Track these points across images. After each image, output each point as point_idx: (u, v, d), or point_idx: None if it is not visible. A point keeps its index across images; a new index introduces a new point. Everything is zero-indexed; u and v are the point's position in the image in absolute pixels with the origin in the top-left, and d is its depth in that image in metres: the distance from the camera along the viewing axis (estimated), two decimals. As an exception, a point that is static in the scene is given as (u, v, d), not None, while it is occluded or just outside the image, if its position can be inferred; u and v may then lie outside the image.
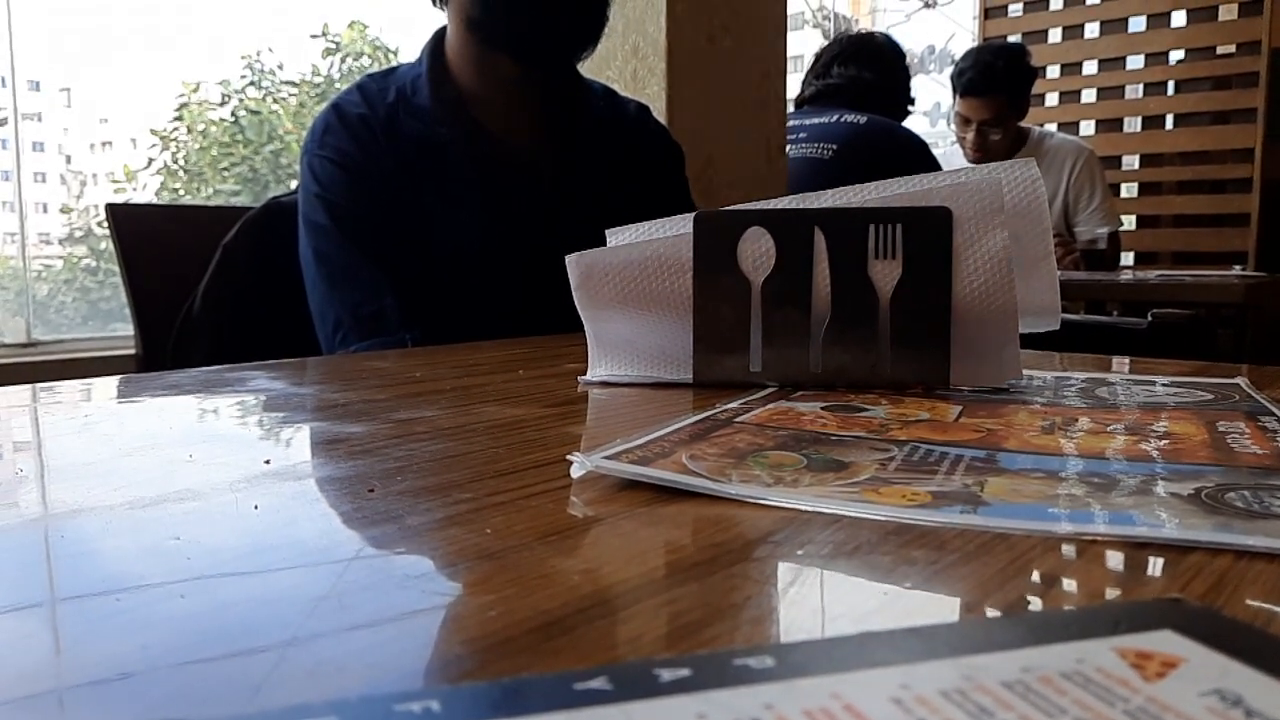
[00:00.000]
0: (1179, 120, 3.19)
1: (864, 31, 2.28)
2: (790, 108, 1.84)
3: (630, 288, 0.58)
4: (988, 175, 0.55)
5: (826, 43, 2.18)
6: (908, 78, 2.17)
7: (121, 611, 0.23)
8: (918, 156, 1.98)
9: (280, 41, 2.48)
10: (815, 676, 0.17)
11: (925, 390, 0.53)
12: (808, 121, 1.99)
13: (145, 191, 2.41)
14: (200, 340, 1.05)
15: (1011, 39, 3.34)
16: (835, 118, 1.99)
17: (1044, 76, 3.07)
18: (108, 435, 0.46)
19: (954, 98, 2.52)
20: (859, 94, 2.04)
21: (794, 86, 2.10)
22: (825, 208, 0.56)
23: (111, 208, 1.11)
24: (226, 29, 2.52)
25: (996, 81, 2.42)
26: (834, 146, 1.94)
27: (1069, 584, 0.25)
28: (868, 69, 2.06)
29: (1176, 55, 3.18)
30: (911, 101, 2.16)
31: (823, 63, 2.11)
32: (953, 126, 2.62)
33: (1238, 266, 2.81)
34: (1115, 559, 0.27)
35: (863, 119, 1.97)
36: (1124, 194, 3.23)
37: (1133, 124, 3.29)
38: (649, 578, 0.26)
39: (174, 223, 1.22)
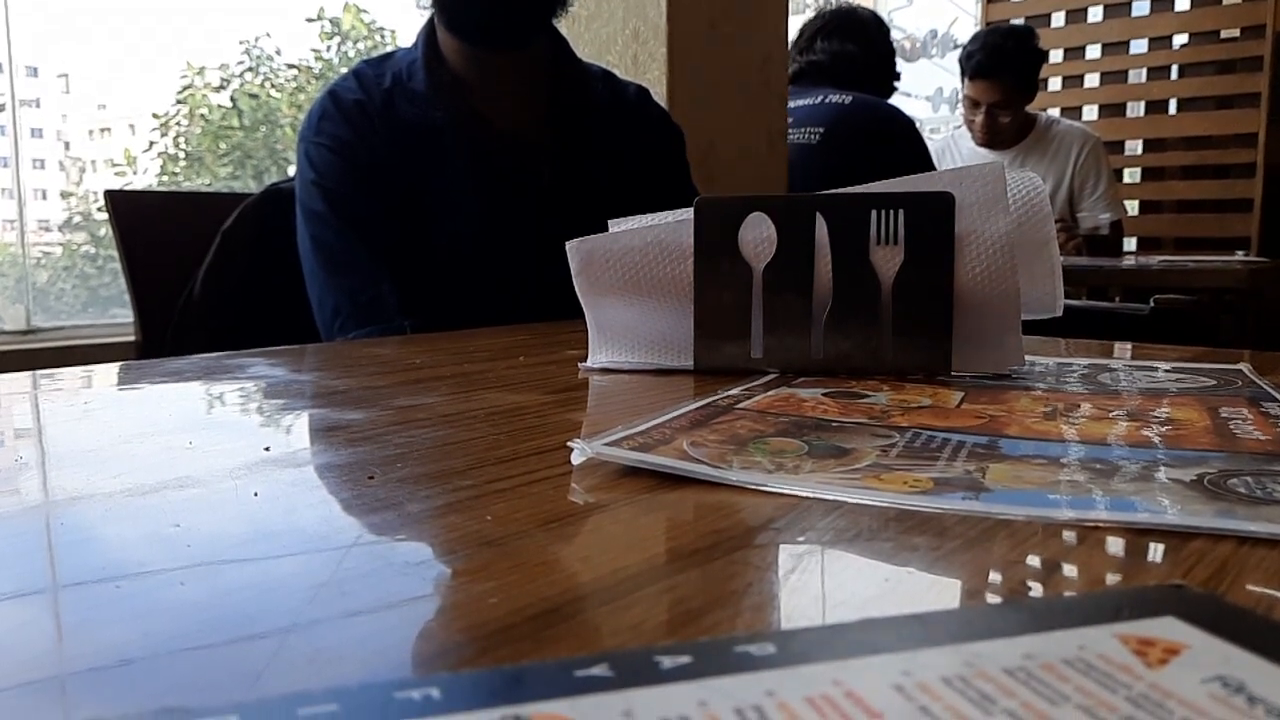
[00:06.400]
0: (1182, 105, 3.17)
1: (847, 5, 2.25)
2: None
3: (631, 274, 0.57)
4: (992, 166, 0.54)
5: (810, 17, 2.15)
6: (893, 52, 2.15)
7: (122, 598, 0.23)
8: (905, 135, 1.96)
9: (277, 26, 2.47)
10: (817, 663, 0.17)
11: (927, 376, 0.53)
12: (793, 104, 1.96)
13: (146, 176, 2.41)
14: (200, 327, 1.05)
15: (1014, 23, 3.32)
16: (820, 99, 1.96)
17: (1047, 61, 3.05)
18: (108, 422, 0.46)
19: (962, 80, 2.50)
20: (844, 70, 2.01)
21: (795, 74, 2.07)
22: (826, 193, 0.55)
23: (110, 194, 1.11)
24: (224, 14, 2.50)
25: (1005, 63, 2.40)
26: (820, 130, 1.92)
27: (1071, 570, 0.25)
28: (851, 42, 2.03)
29: (1180, 39, 3.16)
30: (897, 77, 2.14)
31: (806, 37, 2.08)
32: (958, 111, 2.61)
33: (1240, 252, 2.80)
34: (1117, 545, 0.27)
35: (848, 99, 1.94)
36: (1127, 179, 3.22)
37: (1136, 109, 3.27)
38: (650, 565, 0.26)
39: (173, 209, 1.22)
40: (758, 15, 1.62)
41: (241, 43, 2.45)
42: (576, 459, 0.35)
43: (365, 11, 2.57)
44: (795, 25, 1.98)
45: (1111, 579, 0.25)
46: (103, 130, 2.54)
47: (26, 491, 0.34)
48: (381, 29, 2.60)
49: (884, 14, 2.80)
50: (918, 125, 2.10)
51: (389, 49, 1.12)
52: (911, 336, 0.53)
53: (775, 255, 0.54)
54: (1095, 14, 3.27)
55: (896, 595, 0.24)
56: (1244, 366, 0.57)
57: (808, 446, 0.37)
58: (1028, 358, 0.57)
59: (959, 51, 2.59)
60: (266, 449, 0.39)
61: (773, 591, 0.24)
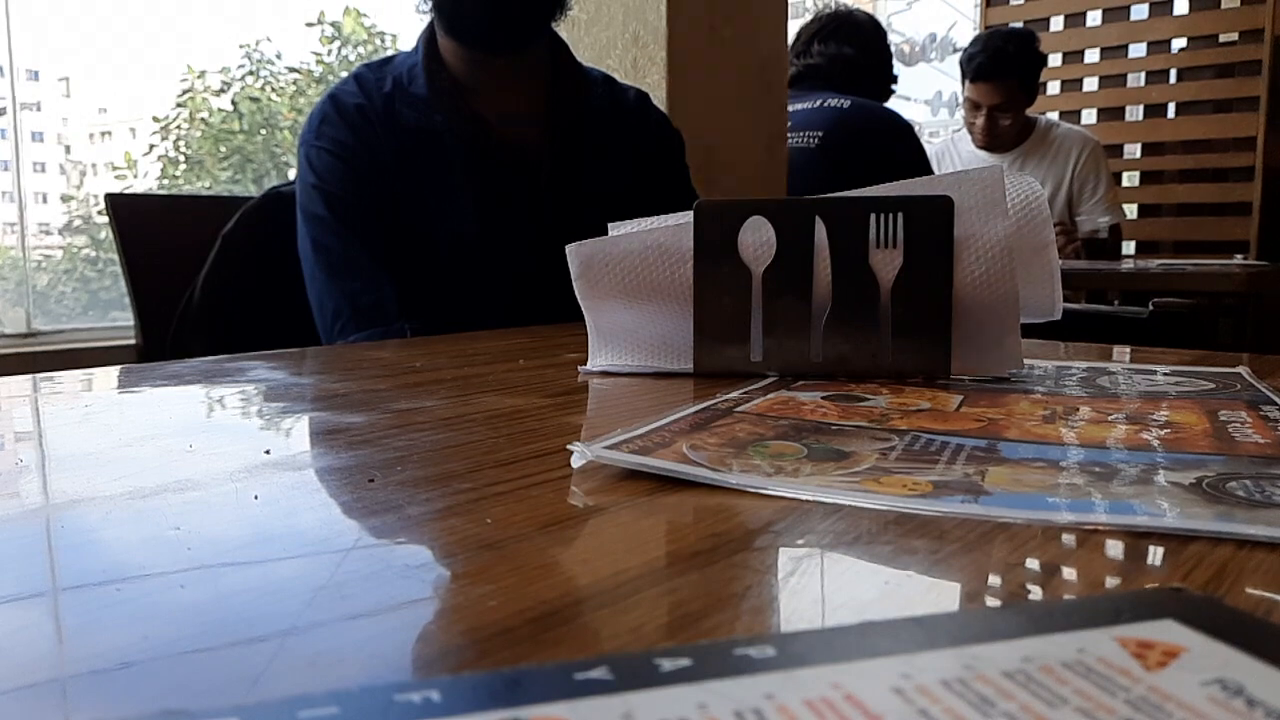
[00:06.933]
0: (1181, 108, 3.18)
1: (844, 8, 2.25)
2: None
3: (631, 277, 0.57)
4: (991, 170, 0.54)
5: (805, 21, 2.15)
6: (889, 54, 2.15)
7: (122, 601, 0.23)
8: (903, 138, 1.96)
9: (278, 30, 2.48)
10: (816, 666, 0.17)
11: (926, 380, 0.53)
12: (792, 108, 1.96)
13: (146, 179, 2.41)
14: (200, 330, 1.05)
15: (1013, 26, 3.33)
16: (819, 102, 1.97)
17: (1046, 64, 3.06)
18: (108, 425, 0.46)
19: (963, 83, 2.51)
20: (840, 72, 2.01)
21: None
22: (826, 196, 0.56)
23: (111, 197, 1.11)
24: (224, 18, 2.51)
25: (1007, 66, 2.41)
26: (819, 134, 1.92)
27: (1070, 573, 0.25)
28: (848, 44, 2.04)
29: (1179, 43, 3.17)
30: (894, 79, 2.15)
31: (803, 41, 2.09)
32: (957, 114, 2.61)
33: (1239, 255, 2.80)
34: (1116, 548, 0.27)
35: (846, 102, 1.95)
36: (1125, 182, 3.22)
37: (1135, 112, 3.28)
38: (649, 567, 0.26)
39: (173, 212, 1.22)
40: (757, 19, 1.62)
41: (242, 46, 2.46)
42: (576, 462, 0.35)
43: (365, 16, 2.57)
44: (794, 30, 1.99)
45: (1111, 582, 0.25)
46: (103, 134, 2.54)
47: (27, 494, 0.34)
48: (382, 33, 2.61)
49: (883, 18, 2.80)
50: (916, 129, 2.10)
51: (389, 53, 1.12)
52: (910, 340, 0.54)
53: (775, 258, 0.55)
54: (1094, 18, 3.28)
55: (896, 598, 0.24)
56: (1242, 370, 0.57)
57: (807, 450, 0.37)
58: (1027, 361, 0.57)
59: (958, 55, 2.60)
60: (267, 452, 0.39)
61: (772, 594, 0.24)
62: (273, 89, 2.52)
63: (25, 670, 0.20)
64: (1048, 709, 0.16)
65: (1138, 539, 0.27)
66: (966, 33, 3.60)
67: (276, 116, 2.50)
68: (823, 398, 0.48)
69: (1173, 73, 3.19)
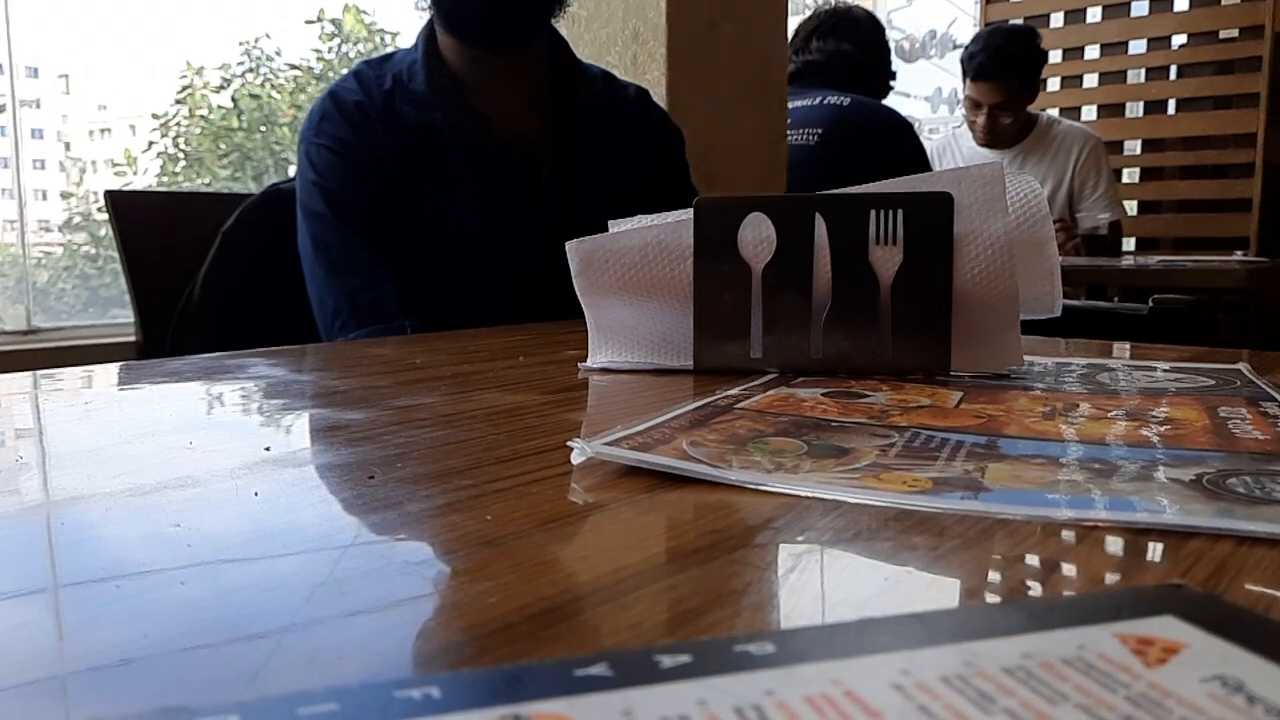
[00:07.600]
0: (1181, 105, 3.17)
1: (843, 5, 2.25)
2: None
3: (631, 274, 0.57)
4: (991, 167, 0.54)
5: (804, 18, 2.15)
6: (888, 51, 2.15)
7: (122, 598, 0.23)
8: (903, 136, 1.96)
9: (278, 27, 2.47)
10: (816, 663, 0.17)
11: (926, 376, 0.53)
12: (791, 105, 1.96)
13: (146, 176, 2.41)
14: (200, 327, 1.05)
15: (1015, 24, 3.32)
16: (818, 100, 1.97)
17: (1046, 62, 3.06)
18: (108, 422, 0.46)
19: (964, 81, 2.50)
20: (839, 69, 2.01)
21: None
22: (826, 193, 0.56)
23: (111, 194, 1.11)
24: (224, 16, 2.51)
25: (1008, 64, 2.40)
26: (819, 131, 1.92)
27: (1070, 570, 0.25)
28: (846, 41, 2.04)
29: (1179, 40, 3.17)
30: (893, 76, 2.15)
31: (801, 37, 2.09)
32: (958, 111, 2.61)
33: (1239, 252, 2.80)
34: (1116, 545, 0.27)
35: (846, 100, 1.95)
36: (1126, 179, 3.22)
37: (1135, 109, 3.27)
38: (649, 564, 0.26)
39: (174, 209, 1.22)
40: (757, 15, 1.62)
41: (241, 44, 2.45)
42: (576, 459, 0.35)
43: (365, 13, 2.57)
44: (794, 27, 1.98)
45: (1110, 578, 0.25)
46: (103, 131, 2.54)
47: (27, 491, 0.34)
48: (381, 31, 2.60)
49: (883, 14, 2.80)
50: (916, 126, 2.10)
51: (389, 50, 1.12)
52: (910, 336, 0.54)
53: (774, 255, 0.54)
54: (1094, 14, 3.27)
55: (895, 595, 0.24)
56: (1242, 366, 0.57)
57: (807, 446, 0.37)
58: (1026, 357, 0.57)
59: (958, 52, 2.59)
60: (267, 449, 0.39)
61: (772, 591, 0.24)
62: (272, 86, 2.51)
63: (25, 667, 0.20)
64: (1048, 705, 0.16)
65: (1137, 535, 0.27)
66: (966, 29, 3.59)
67: (276, 113, 2.50)
68: (823, 394, 0.48)
69: (1173, 69, 3.19)
